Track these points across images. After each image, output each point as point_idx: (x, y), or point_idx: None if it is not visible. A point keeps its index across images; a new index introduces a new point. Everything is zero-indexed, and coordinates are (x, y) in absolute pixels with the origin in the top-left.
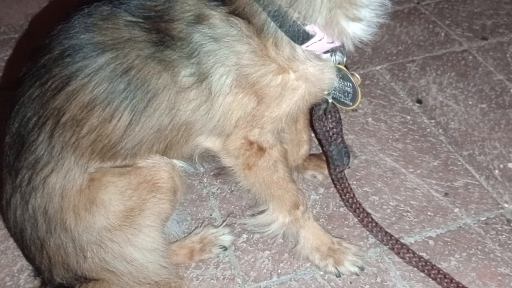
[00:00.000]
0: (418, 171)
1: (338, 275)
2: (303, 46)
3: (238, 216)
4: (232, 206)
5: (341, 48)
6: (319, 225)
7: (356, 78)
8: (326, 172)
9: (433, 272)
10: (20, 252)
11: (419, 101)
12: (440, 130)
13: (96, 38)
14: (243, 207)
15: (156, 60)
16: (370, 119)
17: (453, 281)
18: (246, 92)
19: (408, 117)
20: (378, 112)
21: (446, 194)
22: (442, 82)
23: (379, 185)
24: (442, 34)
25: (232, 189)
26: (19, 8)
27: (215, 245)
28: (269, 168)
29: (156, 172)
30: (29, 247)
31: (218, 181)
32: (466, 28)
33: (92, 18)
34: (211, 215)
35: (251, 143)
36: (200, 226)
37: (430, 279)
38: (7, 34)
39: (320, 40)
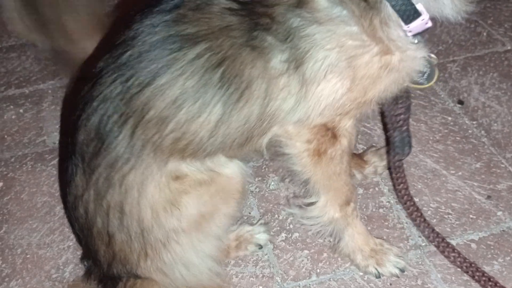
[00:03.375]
0: (460, 173)
1: (378, 276)
2: (409, 25)
3: (282, 208)
4: (271, 205)
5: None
6: (364, 225)
7: (434, 58)
8: (365, 171)
9: (477, 274)
10: (65, 245)
11: (461, 102)
12: (483, 132)
13: (188, 29)
14: (288, 198)
15: (250, 47)
16: (410, 120)
17: (498, 284)
18: (342, 77)
19: (449, 118)
20: (418, 112)
21: (488, 197)
22: (484, 83)
23: (420, 186)
24: (484, 33)
25: (271, 188)
26: None
27: (251, 243)
28: (336, 157)
29: (234, 183)
30: (95, 240)
31: (256, 179)
32: (509, 27)
33: (181, 9)
34: (249, 213)
35: (327, 129)
36: (235, 224)
37: (473, 282)
38: None
39: (422, 20)
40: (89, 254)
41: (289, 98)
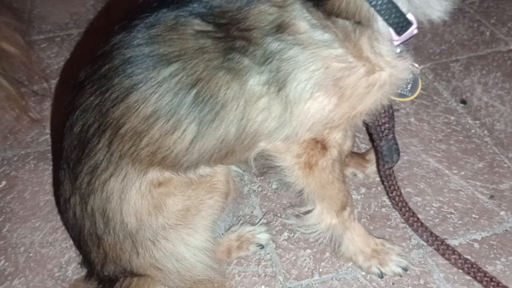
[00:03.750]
0: (462, 173)
1: (381, 276)
2: (400, 36)
3: (279, 215)
4: (273, 204)
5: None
6: (362, 226)
7: (416, 68)
8: (367, 171)
9: (479, 274)
10: (68, 244)
11: (463, 102)
12: (485, 131)
13: (161, 49)
14: (284, 206)
15: (225, 69)
16: (412, 119)
17: (500, 284)
18: (328, 94)
19: (452, 118)
20: (421, 112)
21: (491, 197)
22: (487, 83)
23: (422, 186)
24: (487, 33)
25: (273, 187)
26: (64, 7)
27: (252, 243)
28: (328, 167)
29: (215, 174)
30: (86, 242)
31: (259, 179)
32: None
33: (155, 28)
34: (252, 212)
35: (316, 142)
36: (237, 224)
37: (475, 282)
38: (53, 32)
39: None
40: (83, 255)
41: (270, 120)
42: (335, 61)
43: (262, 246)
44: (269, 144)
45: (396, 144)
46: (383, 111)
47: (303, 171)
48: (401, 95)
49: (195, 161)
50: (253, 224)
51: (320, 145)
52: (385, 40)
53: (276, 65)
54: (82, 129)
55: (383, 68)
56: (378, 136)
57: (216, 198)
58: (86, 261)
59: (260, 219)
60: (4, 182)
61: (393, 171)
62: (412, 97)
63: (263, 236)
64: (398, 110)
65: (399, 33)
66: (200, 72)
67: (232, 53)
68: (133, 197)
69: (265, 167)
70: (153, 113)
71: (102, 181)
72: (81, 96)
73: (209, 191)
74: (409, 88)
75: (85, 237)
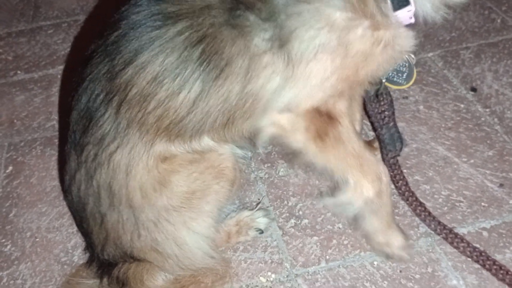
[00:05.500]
0: (472, 161)
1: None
2: (397, 12)
3: (292, 194)
4: (280, 191)
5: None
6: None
7: (411, 58)
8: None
9: (488, 263)
10: (75, 229)
11: (473, 89)
12: (496, 119)
13: (170, 8)
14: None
15: (231, 26)
16: (421, 107)
17: (509, 273)
18: (332, 56)
19: (462, 106)
20: (430, 99)
21: (501, 185)
22: (498, 70)
23: (431, 174)
24: (498, 20)
25: (280, 174)
26: None
27: (251, 227)
28: (343, 138)
29: (223, 160)
30: (88, 221)
31: (266, 165)
32: None
33: None
34: (259, 199)
35: (320, 113)
36: (236, 210)
37: (484, 271)
38: (60, 18)
39: (409, 11)
40: (85, 237)
41: (274, 77)
42: (340, 15)
43: (261, 231)
44: (271, 119)
45: (398, 132)
46: (381, 98)
47: (316, 144)
48: (396, 83)
49: (199, 125)
50: (252, 209)
51: (325, 116)
52: (387, 2)
53: (281, 21)
54: (89, 99)
55: (388, 27)
56: (379, 124)
57: (223, 184)
58: (87, 242)
59: (258, 205)
60: (11, 168)
61: (397, 160)
62: (407, 86)
63: (262, 220)
64: (407, 97)
65: (395, 6)
66: (206, 29)
67: (238, 10)
68: (139, 171)
69: (290, 153)
70: (160, 72)
71: (109, 153)
72: (89, 67)
73: (216, 177)
74: (404, 77)
75: (88, 215)
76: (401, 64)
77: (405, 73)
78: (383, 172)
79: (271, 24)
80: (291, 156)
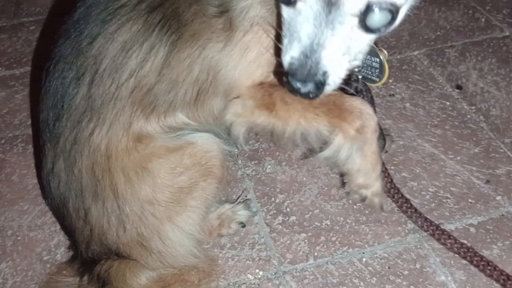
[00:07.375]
0: (458, 158)
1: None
2: None
3: (279, 191)
4: (267, 188)
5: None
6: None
7: (384, 54)
8: None
9: (476, 259)
10: (57, 228)
11: (459, 87)
12: (481, 117)
13: None
14: (282, 189)
15: None
16: (408, 104)
17: (497, 268)
18: (268, 29)
19: (448, 103)
20: (416, 97)
21: (487, 182)
22: (482, 68)
23: (418, 170)
24: (483, 19)
25: (267, 171)
26: None
27: (233, 220)
28: (286, 98)
29: (211, 157)
30: (72, 217)
31: (252, 162)
32: (508, 14)
33: None
34: (246, 196)
35: (262, 85)
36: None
37: (472, 266)
38: (42, 15)
39: None
40: (68, 235)
41: (221, 45)
42: None
43: (243, 225)
44: (228, 110)
45: (381, 129)
46: (361, 96)
47: (273, 115)
48: (370, 80)
49: (170, 96)
50: (232, 202)
51: (267, 86)
52: None
53: None
54: (58, 82)
55: None
56: None
57: (210, 181)
58: (71, 240)
59: (238, 200)
60: None
61: (381, 157)
62: (381, 82)
63: (243, 213)
64: (393, 95)
65: None
66: None
67: None
68: (120, 154)
69: (308, 150)
70: (129, 40)
71: (87, 135)
72: (56, 49)
73: (204, 174)
74: (376, 73)
75: (71, 211)
76: (373, 60)
77: (377, 69)
78: (361, 106)
79: None
80: (270, 136)
